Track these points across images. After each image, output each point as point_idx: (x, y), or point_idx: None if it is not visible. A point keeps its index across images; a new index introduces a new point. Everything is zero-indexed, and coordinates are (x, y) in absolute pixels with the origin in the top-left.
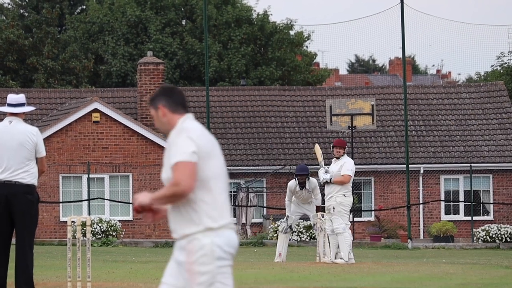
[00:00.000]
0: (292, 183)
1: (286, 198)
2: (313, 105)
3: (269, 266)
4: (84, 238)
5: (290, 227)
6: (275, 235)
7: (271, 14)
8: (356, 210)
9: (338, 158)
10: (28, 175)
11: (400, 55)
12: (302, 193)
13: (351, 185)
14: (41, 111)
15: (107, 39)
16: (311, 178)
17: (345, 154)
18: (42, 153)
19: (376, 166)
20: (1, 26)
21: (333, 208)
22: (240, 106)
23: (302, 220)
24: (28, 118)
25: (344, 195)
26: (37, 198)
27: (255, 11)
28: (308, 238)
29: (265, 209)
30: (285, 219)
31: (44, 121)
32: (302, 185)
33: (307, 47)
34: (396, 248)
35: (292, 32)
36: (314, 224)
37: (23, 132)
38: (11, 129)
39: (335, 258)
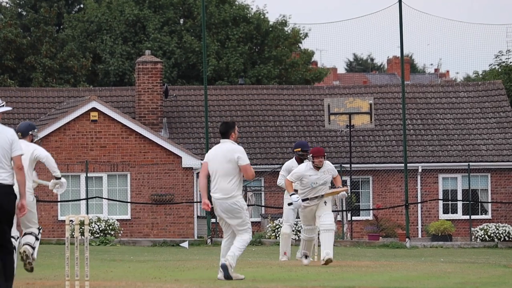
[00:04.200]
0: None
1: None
2: (311, 104)
3: (267, 265)
4: (82, 237)
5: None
6: (273, 234)
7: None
8: (354, 209)
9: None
10: (8, 176)
11: (398, 54)
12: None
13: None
14: (39, 110)
15: (105, 38)
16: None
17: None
18: (18, 151)
19: (374, 165)
20: None
21: (325, 202)
22: (238, 105)
23: (299, 219)
24: (26, 117)
25: None
26: (15, 197)
27: (252, 9)
28: None
29: (263, 208)
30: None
31: (42, 120)
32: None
33: (301, 44)
34: (394, 247)
35: (286, 28)
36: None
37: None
38: None
39: (305, 256)
